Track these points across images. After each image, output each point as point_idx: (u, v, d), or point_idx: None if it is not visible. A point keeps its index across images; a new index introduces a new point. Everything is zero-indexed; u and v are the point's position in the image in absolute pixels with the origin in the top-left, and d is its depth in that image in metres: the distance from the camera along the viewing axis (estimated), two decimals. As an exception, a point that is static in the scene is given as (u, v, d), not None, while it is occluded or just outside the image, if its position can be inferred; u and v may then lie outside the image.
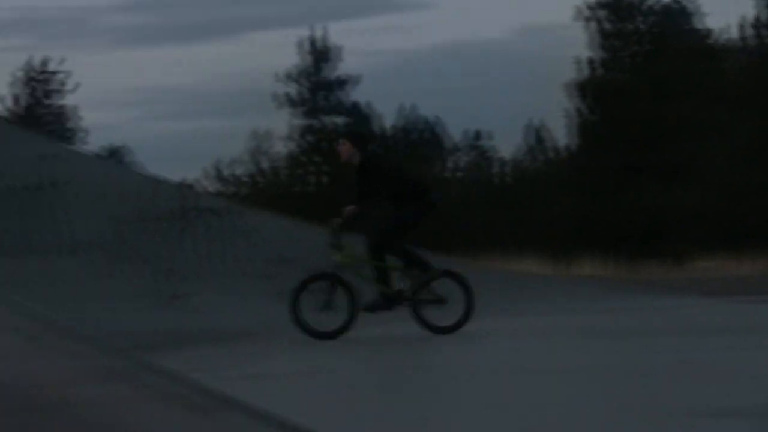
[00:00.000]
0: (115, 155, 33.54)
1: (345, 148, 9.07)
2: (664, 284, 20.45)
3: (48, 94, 30.04)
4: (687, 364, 6.81)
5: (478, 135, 31.82)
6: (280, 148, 29.26)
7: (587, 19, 27.41)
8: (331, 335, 9.11)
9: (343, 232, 10.00)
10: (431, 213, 9.75)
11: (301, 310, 9.18)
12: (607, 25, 27.69)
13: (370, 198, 9.25)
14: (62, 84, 30.09)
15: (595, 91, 26.87)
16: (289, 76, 28.38)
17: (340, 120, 28.21)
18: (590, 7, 27.38)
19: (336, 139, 19.47)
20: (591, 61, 27.55)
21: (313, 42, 28.89)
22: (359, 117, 28.55)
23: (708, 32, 28.52)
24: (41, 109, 29.67)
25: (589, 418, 4.25)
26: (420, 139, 30.58)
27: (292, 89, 28.34)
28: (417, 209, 9.15)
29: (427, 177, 25.46)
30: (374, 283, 9.38)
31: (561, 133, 29.14)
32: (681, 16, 28.46)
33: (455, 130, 31.77)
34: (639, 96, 26.48)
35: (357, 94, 29.65)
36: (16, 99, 29.88)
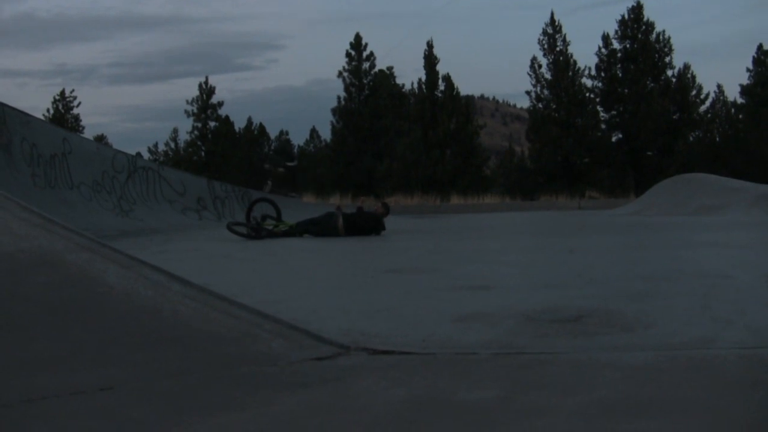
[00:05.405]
0: (100, 139, 46.96)
1: None
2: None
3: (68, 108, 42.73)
4: (384, 245, 9.46)
5: (285, 133, 46.83)
6: (186, 137, 41.72)
7: (341, 73, 38.79)
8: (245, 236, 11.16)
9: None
10: None
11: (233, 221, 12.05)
12: (354, 80, 38.73)
13: None
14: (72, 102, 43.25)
15: (342, 113, 37.16)
16: (193, 101, 41.02)
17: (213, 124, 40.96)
18: (343, 70, 39.41)
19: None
20: (348, 96, 38.55)
21: (205, 83, 41.41)
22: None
23: (402, 86, 41.30)
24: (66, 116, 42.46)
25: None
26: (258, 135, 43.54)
27: (194, 107, 40.46)
28: None
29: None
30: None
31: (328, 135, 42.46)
32: (389, 78, 39.93)
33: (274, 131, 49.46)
34: (367, 115, 36.67)
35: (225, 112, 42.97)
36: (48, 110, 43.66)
